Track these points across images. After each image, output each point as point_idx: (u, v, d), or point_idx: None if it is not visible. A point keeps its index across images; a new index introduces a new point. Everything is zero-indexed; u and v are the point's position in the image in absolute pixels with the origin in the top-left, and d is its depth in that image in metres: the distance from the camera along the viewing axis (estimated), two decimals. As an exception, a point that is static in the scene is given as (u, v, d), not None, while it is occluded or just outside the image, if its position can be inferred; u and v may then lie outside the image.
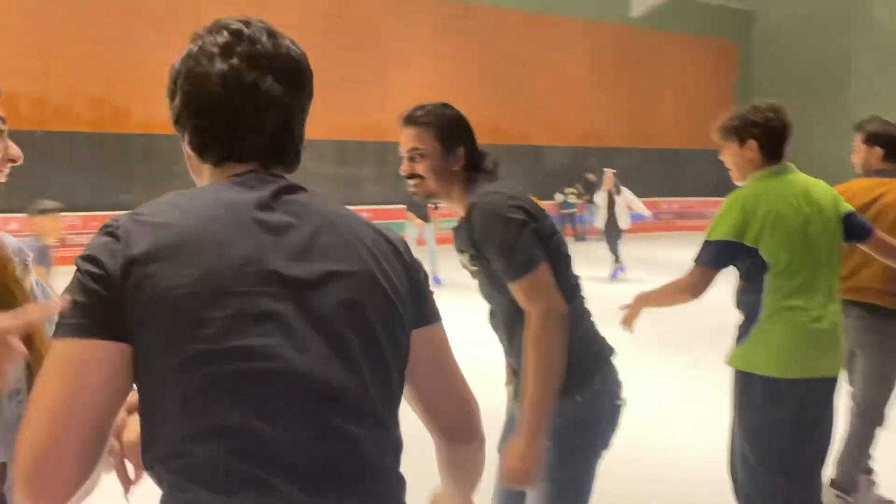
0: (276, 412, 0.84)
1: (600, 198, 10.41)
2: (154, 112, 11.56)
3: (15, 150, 1.17)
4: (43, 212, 4.31)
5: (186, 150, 1.01)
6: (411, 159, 1.83)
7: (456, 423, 1.08)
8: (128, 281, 0.83)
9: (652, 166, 18.07)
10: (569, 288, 1.79)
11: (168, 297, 0.83)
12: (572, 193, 15.77)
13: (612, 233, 10.29)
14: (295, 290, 0.88)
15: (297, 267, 0.89)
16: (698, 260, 2.32)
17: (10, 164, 1.17)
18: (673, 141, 18.37)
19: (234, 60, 0.94)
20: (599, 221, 10.53)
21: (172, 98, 0.99)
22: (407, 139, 1.83)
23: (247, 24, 0.98)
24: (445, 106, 1.86)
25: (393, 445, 0.95)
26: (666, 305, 2.47)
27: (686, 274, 2.33)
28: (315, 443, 0.85)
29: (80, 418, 0.80)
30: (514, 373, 1.95)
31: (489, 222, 1.70)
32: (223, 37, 0.96)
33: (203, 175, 1.01)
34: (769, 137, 2.33)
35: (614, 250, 10.29)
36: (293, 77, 0.98)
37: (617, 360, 1.90)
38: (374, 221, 1.03)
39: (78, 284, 0.84)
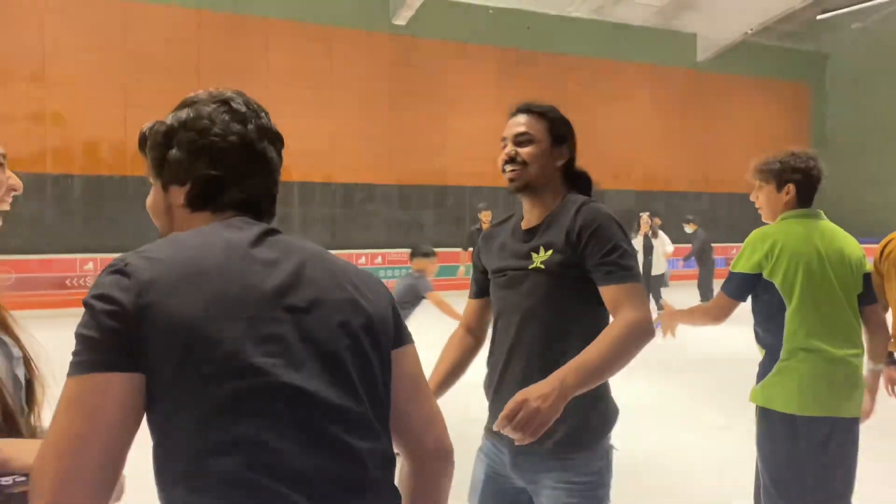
0: (285, 426, 0.91)
1: (636, 243, 10.01)
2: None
3: (15, 180, 1.25)
4: (426, 255, 5.37)
5: (172, 196, 1.12)
6: (518, 144, 1.82)
7: (424, 436, 1.13)
8: (141, 312, 0.89)
9: (721, 211, 17.53)
10: None
11: (180, 322, 0.90)
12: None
13: (652, 280, 9.93)
14: (292, 314, 0.98)
15: (291, 295, 0.99)
16: (724, 289, 2.47)
17: (13, 193, 1.24)
18: (743, 185, 17.72)
19: (251, 128, 1.11)
20: None
21: (163, 150, 1.13)
22: (516, 125, 1.84)
23: (246, 97, 1.14)
24: (555, 108, 1.89)
25: (388, 458, 1.04)
26: (694, 325, 2.68)
27: (714, 300, 2.51)
28: (321, 455, 0.93)
29: (98, 451, 0.85)
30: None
31: (607, 222, 1.71)
32: (239, 105, 1.12)
33: (177, 219, 1.12)
34: (807, 185, 2.45)
35: (655, 297, 9.87)
36: (280, 148, 1.17)
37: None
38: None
39: (91, 322, 0.89)
